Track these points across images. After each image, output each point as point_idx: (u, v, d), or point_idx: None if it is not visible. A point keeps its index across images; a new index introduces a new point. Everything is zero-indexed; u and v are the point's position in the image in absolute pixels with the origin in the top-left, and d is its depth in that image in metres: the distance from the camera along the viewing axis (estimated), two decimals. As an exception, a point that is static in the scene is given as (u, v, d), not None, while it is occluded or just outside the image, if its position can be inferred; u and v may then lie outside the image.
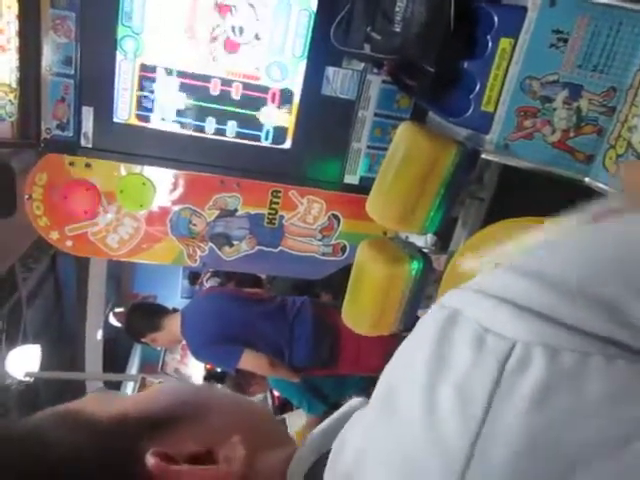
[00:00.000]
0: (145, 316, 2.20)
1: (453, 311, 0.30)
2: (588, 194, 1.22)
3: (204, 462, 0.36)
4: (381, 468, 0.31)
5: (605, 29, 1.15)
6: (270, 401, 2.98)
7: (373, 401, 0.34)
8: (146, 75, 1.60)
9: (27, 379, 3.22)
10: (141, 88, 1.61)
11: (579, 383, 0.25)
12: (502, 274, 0.31)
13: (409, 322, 1.69)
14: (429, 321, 0.32)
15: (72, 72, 1.55)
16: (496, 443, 0.26)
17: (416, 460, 0.29)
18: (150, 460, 0.34)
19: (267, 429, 0.45)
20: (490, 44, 1.28)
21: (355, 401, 0.42)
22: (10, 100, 1.51)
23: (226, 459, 0.37)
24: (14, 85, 1.51)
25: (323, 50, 1.58)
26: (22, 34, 1.47)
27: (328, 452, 0.36)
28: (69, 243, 1.74)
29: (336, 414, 0.42)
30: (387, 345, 1.99)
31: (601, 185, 1.20)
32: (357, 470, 0.32)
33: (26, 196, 1.64)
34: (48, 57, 1.53)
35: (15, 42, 1.47)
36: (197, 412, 0.41)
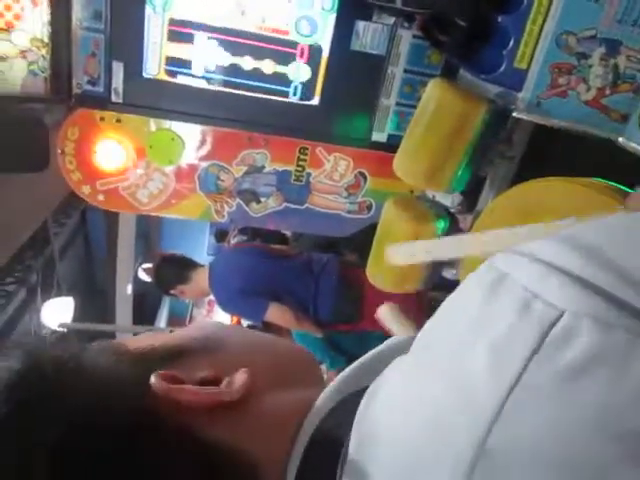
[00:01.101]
0: (174, 268, 2.27)
1: (501, 274, 0.30)
2: (621, 154, 1.19)
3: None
4: (410, 419, 0.31)
5: (648, -19, 1.10)
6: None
7: (411, 351, 0.35)
8: (175, 30, 1.59)
9: (61, 329, 3.36)
10: (170, 43, 1.60)
11: (625, 362, 0.25)
12: (556, 243, 0.30)
13: (434, 281, 1.70)
14: (475, 280, 0.32)
15: (102, 27, 1.55)
16: (525, 407, 0.27)
17: (444, 414, 0.29)
18: (153, 380, 0.36)
19: (292, 370, 0.46)
20: (526, -3, 1.24)
21: (394, 340, 0.44)
22: (43, 55, 1.53)
23: (228, 383, 0.39)
24: (46, 40, 1.52)
25: (353, 3, 1.55)
26: (53, -13, 1.48)
27: (358, 392, 0.37)
28: (101, 197, 1.78)
29: (370, 354, 0.43)
30: (411, 302, 2.01)
31: (635, 145, 1.17)
32: (387, 416, 0.33)
33: (59, 151, 1.68)
34: (78, 11, 1.53)
35: (46, -4, 1.48)
36: (217, 345, 0.44)
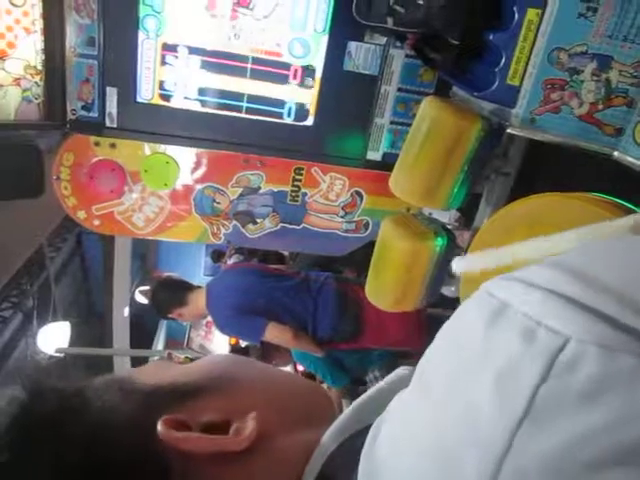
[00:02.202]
0: (171, 291, 2.24)
1: (501, 302, 0.30)
2: (616, 168, 1.20)
3: (218, 433, 0.38)
4: (414, 455, 0.30)
5: (637, -3, 1.11)
6: (294, 375, 3.03)
7: (412, 384, 0.34)
8: (168, 54, 1.60)
9: (58, 355, 3.32)
10: (163, 67, 1.61)
11: (634, 386, 0.25)
12: (551, 268, 0.30)
13: (432, 298, 1.69)
14: (475, 309, 0.31)
15: (95, 53, 1.56)
16: (535, 439, 0.26)
17: (450, 448, 0.28)
18: (159, 427, 0.36)
19: (305, 412, 0.45)
20: (516, 15, 1.25)
21: (393, 376, 0.43)
22: (36, 82, 1.53)
23: (236, 431, 0.38)
24: (40, 67, 1.52)
25: (345, 24, 1.56)
26: (46, 16, 1.48)
27: (359, 431, 0.37)
28: (96, 222, 1.77)
29: (370, 391, 0.42)
30: (410, 319, 2.00)
31: (630, 159, 1.17)
32: (392, 455, 0.32)
33: (54, 176, 1.67)
34: (72, 38, 1.54)
35: (40, 24, 1.49)
36: (225, 385, 0.42)
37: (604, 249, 0.32)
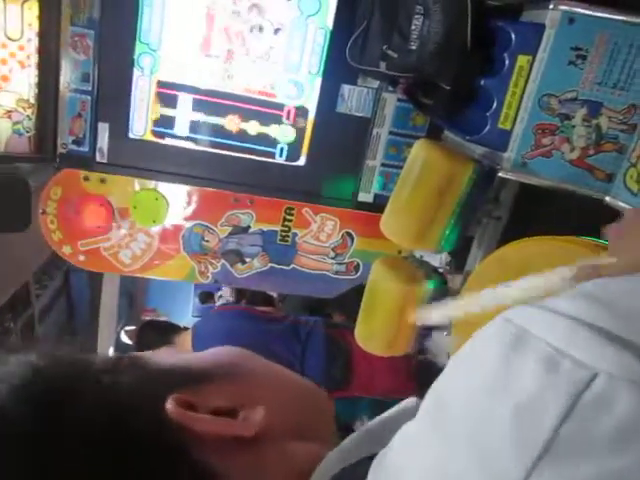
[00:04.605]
0: (156, 333, 2.20)
1: (520, 329, 0.28)
2: (608, 213, 1.19)
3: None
4: None
5: (625, 46, 1.13)
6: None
7: (420, 414, 0.32)
8: (162, 92, 1.61)
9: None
10: (157, 104, 1.62)
11: None
12: (576, 297, 0.28)
13: (424, 344, 1.66)
14: (491, 337, 0.29)
15: (89, 88, 1.57)
16: (555, 478, 0.24)
17: None
18: (168, 404, 0.35)
19: (311, 420, 0.44)
20: (507, 61, 1.27)
21: (401, 405, 0.42)
22: (28, 115, 1.53)
23: (244, 418, 0.37)
24: (32, 101, 1.52)
25: (339, 68, 1.58)
26: (42, 51, 1.49)
27: (359, 461, 0.35)
28: (82, 258, 1.73)
29: (376, 421, 0.41)
30: (400, 368, 1.95)
31: (622, 204, 1.17)
32: None
33: (40, 210, 1.65)
34: (66, 74, 1.55)
35: (35, 59, 1.50)
36: (239, 375, 0.42)
37: (632, 283, 0.30)
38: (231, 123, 1.66)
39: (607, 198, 1.20)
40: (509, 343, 0.27)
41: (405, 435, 0.33)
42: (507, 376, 0.26)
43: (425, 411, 0.31)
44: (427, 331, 1.63)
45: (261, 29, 1.55)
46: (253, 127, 1.67)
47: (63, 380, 0.36)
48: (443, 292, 1.54)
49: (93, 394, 0.35)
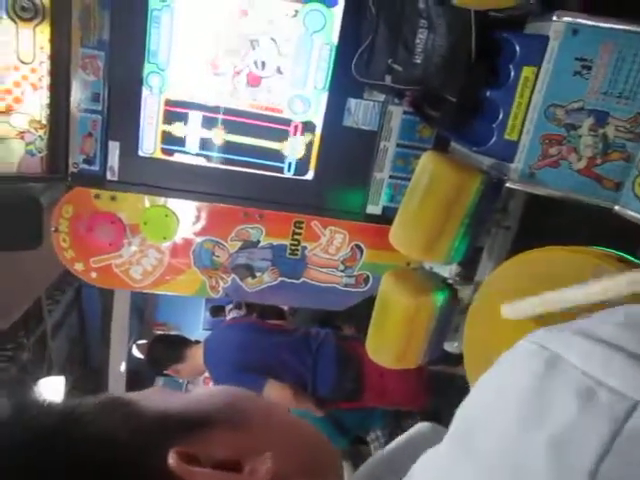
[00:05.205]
0: (168, 347, 2.21)
1: (552, 354, 0.26)
2: (617, 222, 1.19)
3: (231, 470, 0.35)
4: None
5: (630, 55, 1.14)
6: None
7: (447, 440, 0.30)
8: (171, 109, 1.63)
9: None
10: (166, 122, 1.64)
11: None
12: (614, 323, 0.27)
13: (434, 354, 1.65)
14: (522, 362, 0.28)
15: (100, 108, 1.59)
16: None
17: None
18: (170, 458, 0.33)
19: (316, 459, 0.42)
20: (512, 73, 1.28)
21: (422, 428, 0.40)
22: (40, 136, 1.55)
23: (251, 471, 0.35)
24: (44, 121, 1.55)
25: (345, 82, 1.59)
26: (53, 73, 1.52)
27: None
28: (93, 275, 1.75)
29: (393, 445, 0.39)
30: (411, 378, 1.94)
31: (631, 213, 1.17)
32: None
33: (52, 228, 1.67)
34: (77, 94, 1.57)
35: (46, 80, 1.52)
36: (240, 420, 0.40)
37: None
38: (240, 139, 1.67)
39: (616, 207, 1.20)
40: (540, 370, 0.26)
41: (430, 464, 0.31)
42: (540, 405, 0.25)
43: (454, 439, 0.30)
44: (439, 342, 1.62)
45: (264, 64, 1.58)
46: (261, 143, 1.68)
47: (52, 434, 0.34)
48: (452, 303, 1.54)
49: (87, 451, 0.33)
